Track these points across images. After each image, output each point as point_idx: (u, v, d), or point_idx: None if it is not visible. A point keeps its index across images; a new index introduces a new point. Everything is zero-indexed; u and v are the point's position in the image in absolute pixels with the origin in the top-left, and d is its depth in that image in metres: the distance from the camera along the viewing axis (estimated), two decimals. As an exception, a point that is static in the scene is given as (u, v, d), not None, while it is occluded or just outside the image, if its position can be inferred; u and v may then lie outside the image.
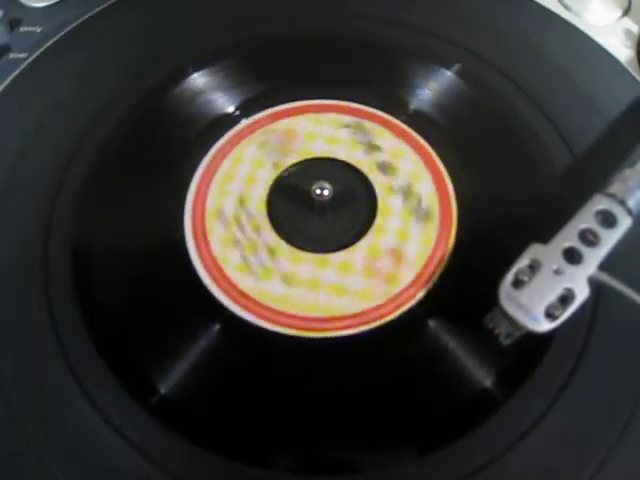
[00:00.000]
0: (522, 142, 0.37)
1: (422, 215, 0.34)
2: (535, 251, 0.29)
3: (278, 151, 0.37)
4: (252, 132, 0.37)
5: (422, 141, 0.37)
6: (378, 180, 0.35)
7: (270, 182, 0.36)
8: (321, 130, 0.37)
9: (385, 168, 0.36)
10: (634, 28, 0.42)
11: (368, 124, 0.38)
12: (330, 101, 0.39)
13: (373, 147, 0.37)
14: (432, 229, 0.34)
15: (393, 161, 0.36)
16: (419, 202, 0.35)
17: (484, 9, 0.43)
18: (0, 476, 0.29)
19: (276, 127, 0.38)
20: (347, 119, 0.38)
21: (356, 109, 0.38)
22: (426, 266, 0.33)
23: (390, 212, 0.35)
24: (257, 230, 0.34)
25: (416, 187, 0.35)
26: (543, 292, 0.27)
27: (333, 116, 0.38)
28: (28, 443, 0.29)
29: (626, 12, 0.43)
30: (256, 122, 0.38)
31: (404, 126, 0.38)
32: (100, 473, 0.29)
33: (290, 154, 0.37)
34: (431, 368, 0.31)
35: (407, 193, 0.35)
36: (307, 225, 0.35)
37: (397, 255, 0.33)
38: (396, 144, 0.37)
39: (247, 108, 0.39)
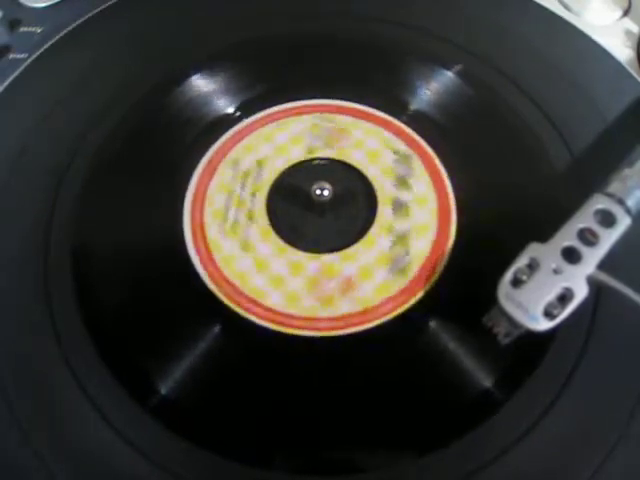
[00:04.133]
0: (522, 142, 0.37)
1: (398, 268, 0.33)
2: (534, 250, 0.29)
3: (322, 140, 0.37)
4: (251, 132, 0.38)
5: (422, 142, 0.37)
6: (385, 213, 0.35)
7: (293, 161, 0.36)
8: (370, 142, 0.37)
9: (399, 208, 0.35)
10: (634, 28, 0.42)
11: (417, 161, 0.36)
12: (330, 101, 0.39)
13: (404, 184, 0.36)
14: (426, 239, 0.34)
15: (411, 206, 0.35)
16: (404, 255, 0.33)
17: (484, 9, 0.43)
18: (0, 476, 0.29)
19: (335, 119, 0.38)
20: (402, 147, 0.37)
21: (356, 109, 0.38)
22: (426, 266, 0.33)
23: (372, 246, 0.34)
24: (253, 193, 0.35)
25: (412, 240, 0.34)
26: (542, 291, 0.27)
27: (389, 136, 0.37)
28: (28, 443, 0.29)
29: (626, 12, 0.43)
30: (256, 122, 0.38)
31: (404, 126, 0.38)
32: (100, 473, 0.29)
33: (329, 148, 0.37)
34: (431, 369, 0.31)
35: (400, 241, 0.34)
36: (304, 222, 0.35)
37: (347, 285, 0.33)
38: (426, 190, 0.35)
39: (247, 108, 0.39)
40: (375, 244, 0.34)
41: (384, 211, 0.35)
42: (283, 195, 0.36)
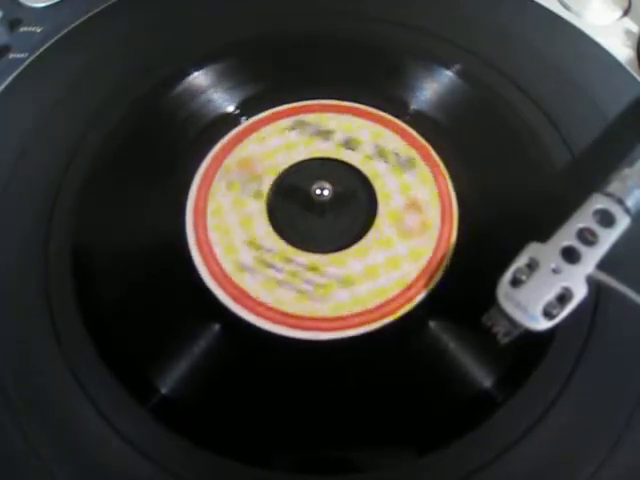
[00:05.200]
0: (522, 142, 0.37)
1: (406, 165, 0.36)
2: (533, 250, 0.29)
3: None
4: (253, 131, 0.37)
5: (423, 141, 0.37)
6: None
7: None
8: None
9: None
10: (634, 28, 0.42)
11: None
12: (331, 101, 0.39)
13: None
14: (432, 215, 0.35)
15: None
16: (396, 156, 0.36)
17: (484, 9, 0.43)
18: (0, 476, 0.29)
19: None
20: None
21: (356, 108, 0.38)
22: (426, 267, 0.33)
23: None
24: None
25: (386, 145, 0.36)
26: (541, 291, 0.27)
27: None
28: (28, 443, 0.29)
29: (626, 12, 0.43)
30: (256, 122, 0.38)
31: (405, 126, 0.38)
32: (100, 473, 0.29)
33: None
34: (431, 369, 0.31)
35: (381, 153, 0.36)
36: (307, 224, 0.35)
37: (414, 206, 0.34)
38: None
39: (247, 108, 0.39)
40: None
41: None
42: (283, 195, 0.35)
